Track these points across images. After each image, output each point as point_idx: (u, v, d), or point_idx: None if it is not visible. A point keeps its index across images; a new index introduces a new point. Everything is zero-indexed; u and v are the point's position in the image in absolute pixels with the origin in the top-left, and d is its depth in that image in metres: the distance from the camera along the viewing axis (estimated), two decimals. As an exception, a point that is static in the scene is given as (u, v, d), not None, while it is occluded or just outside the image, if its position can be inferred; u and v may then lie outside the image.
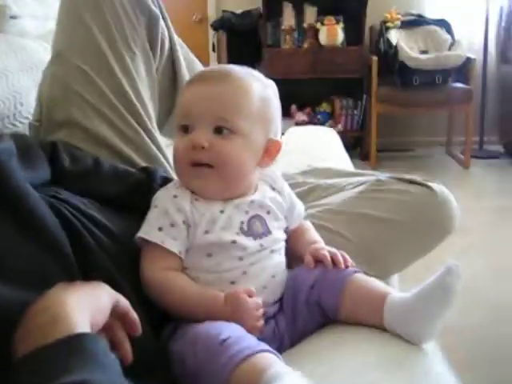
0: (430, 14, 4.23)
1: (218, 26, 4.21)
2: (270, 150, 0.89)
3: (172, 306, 0.79)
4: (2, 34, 1.26)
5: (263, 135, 0.87)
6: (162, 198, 0.85)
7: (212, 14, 4.44)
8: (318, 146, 1.86)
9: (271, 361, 0.66)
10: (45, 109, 1.08)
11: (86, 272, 0.73)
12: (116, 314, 0.65)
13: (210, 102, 0.83)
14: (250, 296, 0.78)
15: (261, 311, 0.79)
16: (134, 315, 0.67)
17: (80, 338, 0.53)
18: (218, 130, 0.83)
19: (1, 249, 0.65)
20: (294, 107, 4.31)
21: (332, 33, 4.04)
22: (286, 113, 4.15)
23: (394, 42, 3.89)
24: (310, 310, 0.84)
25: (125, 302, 0.67)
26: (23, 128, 1.15)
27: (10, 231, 0.67)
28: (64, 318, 0.54)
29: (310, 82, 4.25)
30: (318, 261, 0.86)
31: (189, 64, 1.25)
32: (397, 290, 0.83)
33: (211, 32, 4.37)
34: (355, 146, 4.43)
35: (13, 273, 0.64)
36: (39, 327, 0.54)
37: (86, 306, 0.59)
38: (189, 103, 0.86)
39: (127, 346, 0.66)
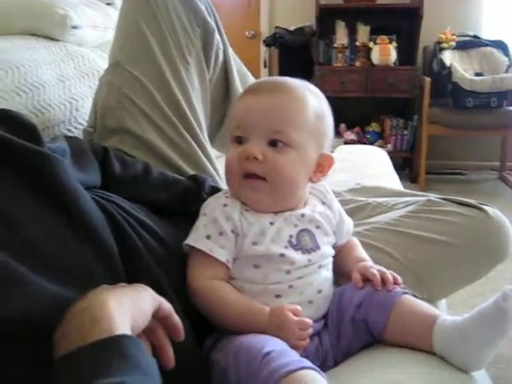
0: (486, 34, 4.14)
1: (270, 42, 4.24)
2: (323, 165, 0.87)
3: (216, 316, 0.79)
4: (62, 43, 1.29)
5: (316, 150, 0.86)
6: (212, 207, 0.85)
7: (265, 30, 4.48)
8: (367, 164, 1.84)
9: (314, 378, 0.64)
10: (99, 115, 1.10)
11: (131, 273, 0.73)
12: (158, 317, 0.64)
13: (264, 113, 0.83)
14: (295, 315, 0.76)
15: (309, 331, 0.77)
16: (177, 319, 0.67)
17: (120, 339, 0.53)
18: (273, 143, 0.82)
19: (48, 244, 0.65)
20: (343, 126, 4.28)
21: (384, 52, 4.01)
22: (335, 131, 4.09)
23: (447, 62, 3.83)
24: (355, 328, 0.82)
25: (167, 306, 0.66)
26: (78, 134, 1.17)
27: (59, 226, 0.68)
28: (103, 319, 0.54)
29: (360, 101, 4.22)
30: (366, 279, 0.84)
31: (242, 77, 1.26)
32: (445, 314, 0.80)
33: (263, 48, 4.40)
34: (404, 167, 4.36)
35: (59, 270, 0.65)
36: (78, 327, 0.54)
37: (127, 307, 0.59)
38: (243, 114, 0.85)
39: (169, 350, 0.65)
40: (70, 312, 0.57)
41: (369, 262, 0.89)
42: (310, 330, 0.77)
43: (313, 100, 0.86)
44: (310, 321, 0.77)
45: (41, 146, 0.72)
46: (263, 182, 0.83)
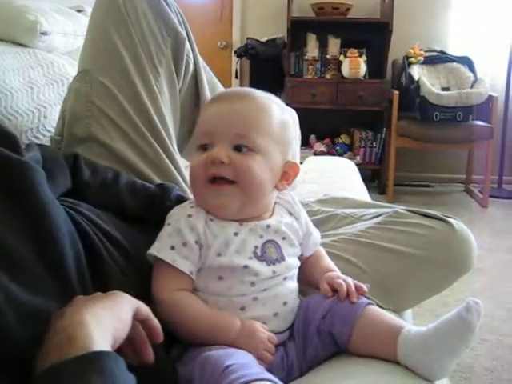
0: (453, 50, 4.24)
1: (241, 52, 4.26)
2: (288, 173, 0.88)
3: (183, 328, 0.78)
4: (31, 49, 1.28)
5: (281, 156, 0.86)
6: (176, 217, 0.84)
7: (236, 41, 4.50)
8: (335, 176, 1.85)
9: None
10: (67, 123, 1.09)
11: (99, 283, 0.73)
12: (137, 319, 0.65)
13: (228, 119, 0.83)
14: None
15: (273, 344, 0.78)
16: (155, 321, 0.67)
17: (98, 355, 0.53)
18: (238, 148, 0.82)
19: (21, 253, 0.65)
20: (313, 137, 4.32)
21: (355, 65, 4.07)
22: (305, 143, 4.16)
23: (416, 77, 3.90)
24: (321, 339, 0.83)
25: (145, 308, 0.67)
26: (45, 141, 1.16)
27: (29, 236, 0.67)
28: (80, 338, 0.54)
29: (330, 113, 4.27)
30: (334, 289, 0.85)
31: (212, 87, 1.26)
32: (411, 324, 0.81)
33: (235, 59, 4.42)
34: (373, 179, 4.42)
35: (30, 279, 0.64)
36: (57, 347, 0.54)
37: (107, 321, 0.59)
38: (209, 121, 0.86)
39: (149, 346, 0.66)
40: (50, 330, 0.57)
41: (336, 273, 0.89)
42: (274, 343, 0.78)
43: (276, 109, 0.87)
44: (274, 337, 0.79)
45: (20, 155, 0.72)
46: (231, 186, 0.82)
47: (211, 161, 0.82)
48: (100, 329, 0.57)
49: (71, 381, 0.50)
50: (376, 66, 4.19)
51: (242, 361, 0.70)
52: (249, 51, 4.21)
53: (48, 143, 1.13)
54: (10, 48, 1.23)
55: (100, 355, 0.53)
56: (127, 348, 0.64)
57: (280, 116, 0.87)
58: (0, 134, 0.74)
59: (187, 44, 1.15)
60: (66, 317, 0.58)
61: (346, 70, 4.09)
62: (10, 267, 0.62)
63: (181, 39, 1.14)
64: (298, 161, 0.94)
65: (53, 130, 1.18)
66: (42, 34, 1.27)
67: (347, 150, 4.33)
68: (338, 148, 4.31)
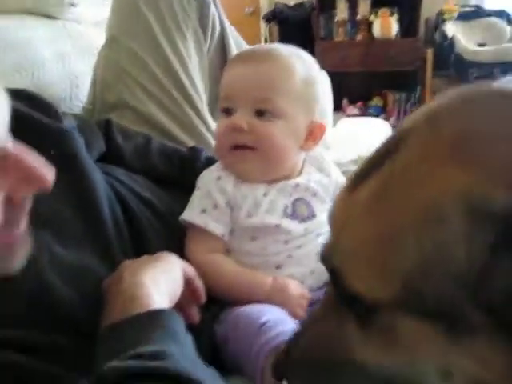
0: (489, 4, 4.09)
1: (270, 17, 4.20)
2: (314, 133, 0.87)
3: (217, 289, 0.79)
4: (61, 21, 1.29)
5: (305, 117, 0.85)
6: (206, 180, 0.85)
7: (264, 7, 4.43)
8: (370, 136, 1.83)
9: None
10: (98, 91, 1.10)
11: (136, 244, 0.76)
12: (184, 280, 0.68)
13: (249, 83, 0.82)
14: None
15: (306, 300, 0.78)
16: (199, 282, 0.70)
17: (159, 314, 0.56)
18: (259, 113, 0.82)
19: (62, 215, 0.68)
20: (345, 101, 4.26)
21: (386, 25, 3.97)
22: (338, 106, 4.09)
23: (450, 34, 3.79)
24: None
25: (191, 269, 0.70)
26: (77, 111, 1.17)
27: (71, 199, 0.70)
28: (142, 297, 0.58)
29: (362, 75, 4.19)
30: None
31: (239, 48, 1.26)
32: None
33: (263, 24, 4.36)
34: (407, 140, 4.35)
35: (72, 239, 0.68)
36: (119, 306, 0.58)
37: (163, 281, 0.63)
38: (229, 85, 0.85)
39: (194, 308, 0.71)
40: (109, 292, 0.61)
41: None
42: (307, 300, 0.79)
43: (301, 66, 0.85)
44: (307, 294, 0.79)
45: (60, 123, 0.74)
46: (252, 152, 0.83)
47: (232, 127, 0.82)
48: (158, 289, 0.60)
49: (135, 335, 0.53)
50: (408, 25, 4.07)
51: (276, 317, 0.71)
52: (277, 16, 4.15)
53: (80, 113, 1.15)
54: (40, 21, 1.24)
55: (162, 313, 0.56)
56: (174, 309, 0.66)
57: (304, 73, 0.85)
58: (40, 103, 0.76)
59: (212, 7, 1.15)
60: (125, 279, 0.61)
61: (377, 30, 3.99)
62: (55, 228, 0.65)
63: (206, 2, 1.13)
64: (328, 119, 0.93)
65: (84, 100, 1.20)
66: (71, 5, 1.27)
67: (381, 113, 4.26)
68: (371, 111, 4.24)
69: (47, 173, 0.46)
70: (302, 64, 0.86)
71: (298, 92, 0.84)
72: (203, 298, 0.72)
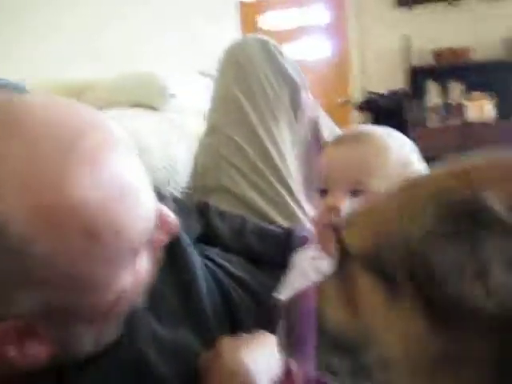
0: None
1: (364, 106, 4.26)
2: None
3: None
4: (163, 112, 1.39)
5: None
6: (301, 260, 0.85)
7: (356, 96, 4.52)
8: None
9: None
10: (198, 176, 1.16)
11: (234, 325, 0.76)
12: None
13: (345, 165, 0.83)
14: None
15: None
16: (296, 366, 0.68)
17: None
18: (355, 193, 0.82)
19: (163, 296, 0.71)
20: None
21: (480, 108, 3.92)
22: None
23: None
24: None
25: None
26: (178, 195, 1.23)
27: (172, 282, 0.73)
28: (241, 374, 0.59)
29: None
30: None
31: (331, 132, 1.28)
32: None
33: (355, 113, 4.43)
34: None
35: (170, 316, 0.70)
36: (218, 382, 0.59)
37: (262, 361, 0.63)
38: (325, 166, 0.86)
39: None
40: (211, 368, 0.62)
41: None
42: None
43: (396, 148, 0.85)
44: None
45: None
46: None
47: (328, 208, 0.82)
48: (256, 367, 0.61)
49: None
50: (506, 107, 4.00)
51: None
52: (371, 105, 4.21)
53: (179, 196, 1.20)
54: (143, 111, 1.34)
55: None
56: None
57: (400, 156, 0.85)
58: None
59: (303, 91, 1.19)
60: (224, 356, 0.62)
61: (471, 114, 3.94)
62: (154, 306, 0.67)
63: (297, 86, 1.18)
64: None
65: (183, 186, 1.26)
66: (171, 96, 1.37)
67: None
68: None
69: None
70: (399, 145, 0.86)
71: (394, 174, 0.83)
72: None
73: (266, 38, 1.19)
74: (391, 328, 0.41)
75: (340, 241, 0.48)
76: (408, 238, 0.39)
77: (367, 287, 0.43)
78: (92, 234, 0.48)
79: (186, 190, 1.22)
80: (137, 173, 0.54)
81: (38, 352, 0.50)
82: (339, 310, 0.46)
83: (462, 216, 0.37)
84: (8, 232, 0.45)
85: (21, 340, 0.49)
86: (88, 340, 0.55)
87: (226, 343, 0.65)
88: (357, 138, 0.87)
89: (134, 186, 0.52)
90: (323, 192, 0.85)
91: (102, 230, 0.49)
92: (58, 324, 0.51)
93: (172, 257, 0.72)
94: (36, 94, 0.52)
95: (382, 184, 0.82)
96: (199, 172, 1.17)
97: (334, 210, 0.82)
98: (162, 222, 0.57)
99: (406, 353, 0.40)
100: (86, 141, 0.49)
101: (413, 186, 0.45)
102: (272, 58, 1.16)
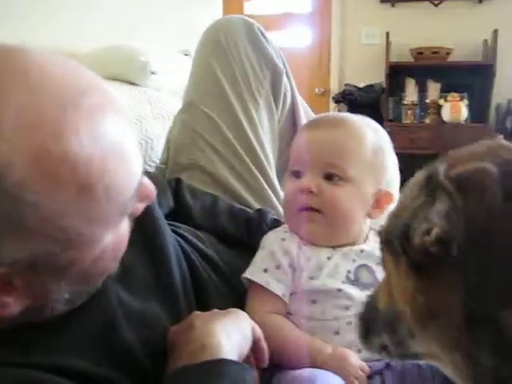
0: None
1: (339, 98, 4.29)
2: (381, 201, 0.87)
3: (273, 350, 0.77)
4: (141, 87, 1.37)
5: (374, 185, 0.85)
6: (270, 240, 0.86)
7: (334, 88, 4.54)
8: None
9: None
10: (172, 152, 1.15)
11: (202, 301, 0.77)
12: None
13: (321, 147, 0.84)
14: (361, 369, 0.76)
15: (365, 373, 0.76)
16: (265, 345, 0.69)
17: (227, 363, 0.57)
18: (328, 177, 0.83)
19: (134, 268, 0.71)
20: (412, 182, 4.22)
21: (455, 109, 3.97)
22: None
23: (522, 121, 3.75)
24: (420, 372, 0.79)
25: (259, 330, 0.69)
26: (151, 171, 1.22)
27: (144, 253, 0.73)
28: (213, 346, 0.59)
29: (430, 158, 4.14)
30: None
31: (308, 119, 1.29)
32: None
33: (332, 105, 4.45)
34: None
35: (141, 290, 0.70)
36: (189, 353, 0.59)
37: (234, 335, 0.63)
38: (300, 149, 0.87)
39: (255, 371, 0.68)
40: (178, 340, 0.62)
41: None
42: (366, 372, 0.76)
43: (371, 134, 0.86)
44: (366, 367, 0.76)
45: None
46: (318, 215, 0.83)
47: (300, 189, 0.83)
48: (229, 341, 0.61)
49: (204, 381, 0.54)
50: (478, 110, 4.06)
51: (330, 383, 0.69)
52: (347, 97, 4.23)
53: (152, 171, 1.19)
54: (123, 86, 1.32)
55: (232, 363, 0.57)
56: None
57: (374, 142, 0.86)
58: None
59: (285, 77, 1.19)
60: (196, 328, 0.62)
61: (446, 114, 4.00)
62: (126, 278, 0.67)
63: (279, 72, 1.18)
64: (394, 189, 0.93)
65: (158, 161, 1.25)
66: (152, 73, 1.36)
67: (448, 196, 4.18)
68: (438, 193, 4.18)
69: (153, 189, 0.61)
70: (373, 132, 0.87)
71: (368, 159, 0.85)
72: (266, 362, 0.70)
73: (251, 20, 1.18)
74: (401, 294, 0.49)
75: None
76: (404, 217, 0.47)
77: (389, 267, 0.51)
78: (85, 189, 0.49)
79: (161, 165, 1.21)
80: (131, 136, 0.55)
81: (10, 303, 0.50)
82: (384, 293, 0.54)
83: (428, 185, 0.46)
84: (8, 175, 0.45)
85: None
86: (61, 298, 0.55)
87: (199, 316, 0.65)
88: (333, 122, 0.88)
89: (128, 149, 0.54)
90: (296, 174, 0.86)
91: (96, 186, 0.50)
92: (38, 277, 0.51)
93: (143, 226, 0.72)
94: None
95: (355, 168, 0.83)
96: (172, 148, 1.16)
97: (306, 191, 0.82)
98: (141, 190, 0.57)
99: (412, 314, 0.48)
100: (88, 99, 0.50)
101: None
102: (256, 40, 1.15)
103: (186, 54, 1.75)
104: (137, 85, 1.35)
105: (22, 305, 0.51)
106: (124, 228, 0.58)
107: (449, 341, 0.45)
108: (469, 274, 0.41)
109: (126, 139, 0.54)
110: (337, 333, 0.79)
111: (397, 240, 0.48)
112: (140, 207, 0.61)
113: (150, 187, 0.61)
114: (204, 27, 1.18)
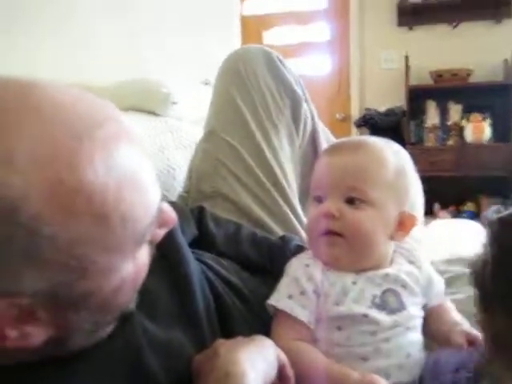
0: None
1: (361, 123, 4.29)
2: (404, 223, 0.85)
3: (300, 378, 0.76)
4: (163, 117, 1.39)
5: (396, 207, 0.84)
6: (294, 267, 0.85)
7: (355, 113, 4.55)
8: (463, 236, 1.77)
9: None
10: (194, 181, 1.16)
11: (226, 329, 0.77)
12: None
13: (341, 171, 0.84)
14: None
15: None
16: (290, 372, 0.69)
17: None
18: (350, 201, 0.82)
19: (157, 296, 0.71)
20: (437, 206, 4.18)
21: (478, 130, 3.94)
22: (429, 211, 4.02)
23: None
24: None
25: (284, 356, 0.69)
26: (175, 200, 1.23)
27: (167, 281, 0.74)
28: (237, 374, 0.58)
29: (454, 180, 4.12)
30: (469, 343, 0.79)
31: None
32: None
33: (354, 130, 4.45)
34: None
35: (165, 318, 0.70)
36: (214, 381, 0.59)
37: (259, 362, 0.63)
38: (322, 174, 0.87)
39: None
40: (203, 367, 0.62)
41: (466, 325, 0.84)
42: None
43: (392, 156, 0.86)
44: None
45: None
46: (340, 239, 0.82)
47: (322, 214, 0.83)
48: (253, 369, 0.60)
49: None
50: (501, 130, 4.03)
51: None
52: (368, 121, 4.23)
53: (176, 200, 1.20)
54: (144, 117, 1.34)
55: None
56: None
57: (396, 164, 0.86)
58: None
59: (304, 104, 1.20)
60: (221, 356, 0.61)
61: (469, 134, 3.97)
62: (149, 307, 0.67)
63: (298, 99, 1.18)
64: (418, 211, 0.92)
65: (181, 190, 1.26)
66: (173, 103, 1.38)
67: (474, 218, 4.12)
68: (464, 215, 4.12)
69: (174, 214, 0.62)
70: (394, 155, 0.87)
71: (390, 181, 0.84)
72: None
73: (269, 48, 1.20)
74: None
75: None
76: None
77: None
78: (101, 218, 0.49)
79: (183, 194, 1.22)
80: (147, 166, 0.55)
81: (34, 333, 0.50)
82: None
83: None
84: (24, 208, 0.45)
85: (21, 319, 0.49)
86: (82, 329, 0.55)
87: (224, 344, 0.65)
88: (352, 146, 0.87)
89: (144, 178, 0.54)
90: (318, 199, 0.86)
91: (111, 215, 0.50)
92: (58, 307, 0.51)
93: (167, 254, 0.72)
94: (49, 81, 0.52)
95: (377, 191, 0.82)
96: (195, 177, 1.17)
97: (329, 216, 0.82)
98: (161, 216, 0.58)
99: None
100: (102, 130, 0.51)
101: None
102: (274, 68, 1.17)
103: (206, 84, 1.77)
104: (158, 115, 1.37)
105: (45, 335, 0.51)
106: (143, 257, 0.58)
107: None
108: None
109: (142, 168, 0.54)
110: (364, 359, 0.78)
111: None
112: (160, 233, 0.61)
113: (171, 213, 0.61)
114: (223, 57, 1.20)
